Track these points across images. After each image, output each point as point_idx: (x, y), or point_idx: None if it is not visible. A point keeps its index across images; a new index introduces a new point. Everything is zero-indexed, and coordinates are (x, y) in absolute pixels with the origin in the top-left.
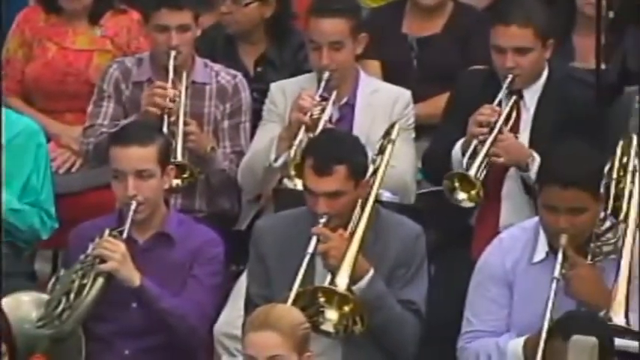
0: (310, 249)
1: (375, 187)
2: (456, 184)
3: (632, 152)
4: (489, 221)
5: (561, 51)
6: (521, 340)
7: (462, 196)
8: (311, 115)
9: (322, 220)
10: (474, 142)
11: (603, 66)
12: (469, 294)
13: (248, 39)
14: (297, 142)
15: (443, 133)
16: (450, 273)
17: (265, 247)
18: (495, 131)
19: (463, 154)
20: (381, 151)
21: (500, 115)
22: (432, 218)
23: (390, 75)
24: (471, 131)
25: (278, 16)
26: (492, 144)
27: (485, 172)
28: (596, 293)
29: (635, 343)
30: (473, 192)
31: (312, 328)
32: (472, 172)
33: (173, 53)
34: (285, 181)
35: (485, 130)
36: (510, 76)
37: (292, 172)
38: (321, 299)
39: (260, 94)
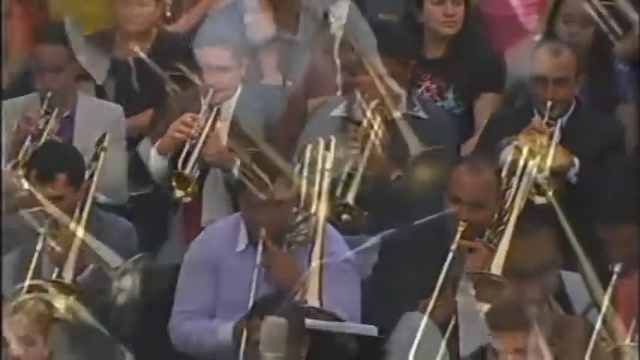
0: (38, 247)
1: (91, 189)
2: (174, 183)
3: (320, 154)
4: (192, 217)
5: (251, 69)
6: (231, 323)
7: (179, 193)
8: (37, 126)
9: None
10: (187, 145)
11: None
12: (180, 278)
13: None
14: (24, 148)
15: (147, 140)
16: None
17: None
18: (204, 135)
19: (159, 153)
20: (95, 157)
21: (207, 121)
22: (139, 216)
23: (104, 93)
24: (170, 134)
25: None
26: (202, 146)
27: (198, 170)
28: (292, 279)
29: (325, 322)
30: (189, 188)
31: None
32: (187, 171)
33: None
34: (14, 180)
35: (183, 135)
36: (211, 91)
37: (20, 172)
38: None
39: None
